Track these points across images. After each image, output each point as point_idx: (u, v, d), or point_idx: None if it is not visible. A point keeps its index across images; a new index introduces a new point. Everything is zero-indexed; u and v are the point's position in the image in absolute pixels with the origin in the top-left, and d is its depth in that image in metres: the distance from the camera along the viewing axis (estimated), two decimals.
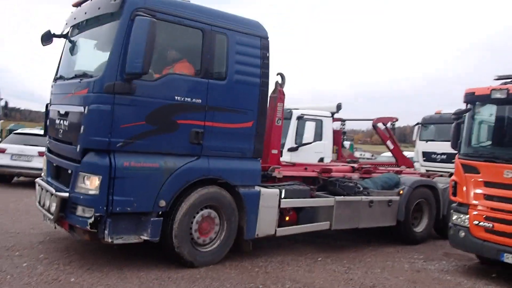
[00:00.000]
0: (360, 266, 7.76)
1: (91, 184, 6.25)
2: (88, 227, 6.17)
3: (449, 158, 16.01)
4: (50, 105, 7.77)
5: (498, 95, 7.49)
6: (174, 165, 6.63)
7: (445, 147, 16.14)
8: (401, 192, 9.51)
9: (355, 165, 10.34)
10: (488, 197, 7.53)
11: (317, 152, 14.13)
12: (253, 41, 7.30)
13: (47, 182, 7.34)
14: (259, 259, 7.52)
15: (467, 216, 7.72)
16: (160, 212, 6.56)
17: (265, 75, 7.40)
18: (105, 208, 6.15)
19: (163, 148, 6.61)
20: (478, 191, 7.63)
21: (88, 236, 6.44)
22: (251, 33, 7.30)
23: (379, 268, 7.71)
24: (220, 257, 7.16)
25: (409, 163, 13.34)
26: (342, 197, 8.51)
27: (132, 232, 6.44)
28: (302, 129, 14.10)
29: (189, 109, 6.71)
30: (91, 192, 6.24)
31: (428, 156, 17.38)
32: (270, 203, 7.54)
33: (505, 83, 7.84)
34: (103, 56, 6.77)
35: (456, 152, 15.70)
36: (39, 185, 7.47)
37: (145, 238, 6.46)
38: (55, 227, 7.03)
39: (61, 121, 7.03)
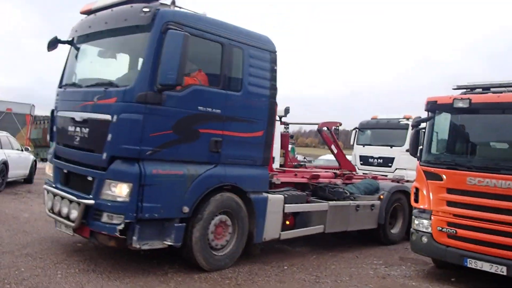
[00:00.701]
0: (328, 274, 7.73)
1: (120, 191, 6.38)
2: (118, 234, 6.32)
3: (385, 162, 16.93)
4: (57, 111, 7.73)
5: (460, 104, 7.65)
6: (196, 172, 6.90)
7: (381, 151, 17.08)
8: (381, 197, 10.27)
9: (337, 171, 10.98)
10: (451, 204, 7.66)
11: None
12: (264, 55, 7.73)
13: (59, 189, 7.33)
14: (226, 269, 7.33)
15: (430, 222, 7.84)
16: (181, 218, 6.79)
17: (273, 87, 7.84)
18: (135, 214, 6.32)
19: (186, 156, 6.87)
20: (441, 197, 7.73)
21: (114, 243, 6.59)
22: (262, 48, 7.72)
23: (347, 276, 7.72)
24: (232, 261, 7.49)
25: (352, 167, 13.78)
26: (334, 202, 9.11)
27: (156, 237, 6.62)
28: None
29: (210, 119, 7.03)
30: (119, 199, 6.38)
31: (365, 160, 17.79)
32: (276, 208, 7.98)
33: (465, 93, 8.17)
34: (128, 66, 6.96)
35: (393, 156, 16.54)
36: (49, 191, 7.43)
37: (169, 243, 6.67)
38: (73, 234, 7.06)
39: (77, 128, 7.04)
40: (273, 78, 7.83)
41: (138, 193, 6.33)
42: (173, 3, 6.78)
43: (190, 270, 7.03)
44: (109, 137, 6.46)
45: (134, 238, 6.37)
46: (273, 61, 7.85)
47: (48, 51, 7.93)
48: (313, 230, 8.83)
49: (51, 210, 7.28)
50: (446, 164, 7.84)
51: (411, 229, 8.30)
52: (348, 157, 17.63)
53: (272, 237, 8.00)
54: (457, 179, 7.55)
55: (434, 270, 8.64)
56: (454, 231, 7.55)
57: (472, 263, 7.35)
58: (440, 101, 8.01)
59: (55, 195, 7.25)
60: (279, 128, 14.97)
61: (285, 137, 15.26)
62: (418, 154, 8.31)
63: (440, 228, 7.70)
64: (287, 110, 15.11)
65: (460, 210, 7.54)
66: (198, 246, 6.94)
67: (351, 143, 18.81)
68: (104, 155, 6.53)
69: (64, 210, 6.92)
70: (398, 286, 7.50)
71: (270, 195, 7.92)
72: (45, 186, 7.66)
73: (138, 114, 6.33)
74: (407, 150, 15.61)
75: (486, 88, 8.16)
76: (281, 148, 14.87)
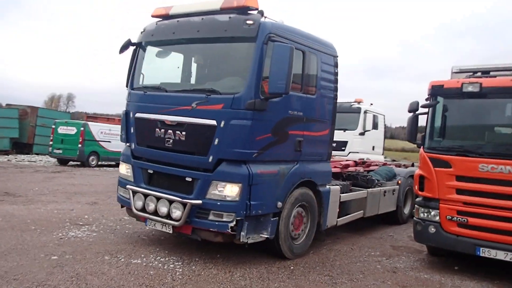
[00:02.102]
0: (339, 272, 7.50)
1: (229, 191, 6.92)
2: (229, 230, 6.88)
3: (338, 146, 16.28)
4: (135, 113, 7.95)
5: (470, 89, 7.36)
6: (285, 170, 7.58)
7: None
8: (399, 182, 11.45)
9: (357, 160, 11.99)
10: (461, 191, 7.47)
11: None
12: (330, 60, 8.47)
13: (146, 189, 7.68)
14: (237, 276, 6.95)
15: (438, 211, 7.68)
16: (274, 212, 7.44)
17: (336, 89, 8.62)
18: (244, 212, 6.91)
19: (279, 156, 7.51)
20: (450, 185, 7.56)
21: (221, 238, 7.12)
22: (329, 53, 8.44)
23: (359, 273, 7.53)
24: (306, 249, 8.29)
25: None
26: (371, 189, 10.11)
27: (253, 232, 7.22)
28: None
29: (296, 121, 7.71)
30: (229, 199, 6.93)
31: None
32: (335, 198, 8.86)
33: (469, 76, 8.07)
34: (223, 73, 7.40)
35: (346, 140, 16.82)
36: (136, 192, 7.73)
37: (265, 236, 7.30)
38: (172, 232, 7.47)
39: (169, 131, 7.41)
40: (336, 81, 8.62)
41: (246, 192, 6.91)
42: (262, 13, 7.25)
43: (189, 278, 6.68)
44: (216, 141, 6.94)
45: (243, 233, 6.97)
46: (336, 65, 8.62)
47: (120, 53, 8.16)
48: (357, 215, 9.82)
49: (143, 209, 7.60)
50: (455, 150, 7.60)
51: (415, 219, 8.13)
52: None
53: (332, 224, 8.87)
54: (468, 166, 7.36)
55: (433, 259, 8.69)
56: (465, 220, 7.41)
57: (485, 252, 7.21)
58: (447, 85, 7.76)
59: (146, 195, 7.58)
60: None
61: None
62: (420, 141, 8.16)
63: (450, 217, 7.56)
64: None
65: (472, 198, 7.39)
66: (283, 237, 7.66)
67: None
68: (211, 158, 7.01)
69: (163, 210, 7.32)
70: (413, 280, 7.41)
71: (331, 187, 8.77)
72: (129, 186, 7.91)
73: (247, 120, 6.85)
74: (360, 134, 16.91)
75: (485, 72, 8.18)
76: None
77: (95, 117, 35.24)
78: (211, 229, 7.05)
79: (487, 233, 7.21)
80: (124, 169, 8.26)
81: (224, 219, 6.93)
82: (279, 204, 7.42)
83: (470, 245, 7.36)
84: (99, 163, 25.99)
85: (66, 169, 22.83)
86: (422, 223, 7.88)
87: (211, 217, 7.01)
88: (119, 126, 8.73)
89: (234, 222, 6.87)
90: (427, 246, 8.71)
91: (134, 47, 8.29)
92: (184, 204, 7.09)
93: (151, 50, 8.22)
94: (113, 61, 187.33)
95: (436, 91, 7.86)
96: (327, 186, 8.65)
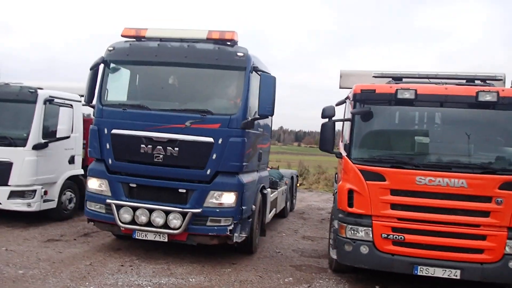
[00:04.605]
0: None
1: (226, 199, 8.03)
2: (228, 233, 8.01)
3: None
4: (111, 130, 8.23)
5: (406, 95, 6.88)
6: (255, 178, 8.98)
7: None
8: (286, 182, 13.44)
9: None
10: (397, 207, 6.91)
11: (67, 149, 11.30)
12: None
13: (130, 202, 8.18)
14: None
15: (371, 229, 6.96)
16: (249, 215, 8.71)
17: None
18: (240, 216, 8.13)
19: (252, 167, 8.86)
20: (384, 200, 6.93)
21: (216, 241, 8.18)
22: (271, 76, 9.87)
23: None
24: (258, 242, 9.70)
25: None
26: (279, 189, 11.95)
27: (236, 232, 8.36)
28: (54, 118, 10.51)
29: (259, 136, 9.17)
30: (226, 205, 8.04)
31: None
32: (269, 198, 10.44)
33: (390, 82, 7.90)
34: (214, 96, 8.43)
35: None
36: (122, 206, 8.13)
37: (245, 235, 8.50)
38: (168, 240, 8.14)
39: (159, 147, 8.02)
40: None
41: (240, 199, 8.12)
42: (236, 43, 8.43)
43: None
44: (214, 156, 7.94)
45: (236, 234, 8.15)
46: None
47: (91, 70, 8.43)
48: (273, 213, 11.48)
49: (130, 222, 8.10)
50: (389, 162, 7.02)
51: (341, 238, 7.24)
52: None
53: (267, 221, 10.43)
54: (404, 179, 6.84)
55: (350, 279, 7.93)
56: (402, 237, 6.85)
57: (423, 271, 6.78)
58: (380, 90, 7.18)
59: (134, 208, 8.09)
60: (81, 112, 11.94)
61: (89, 123, 9.74)
62: (344, 150, 7.60)
63: (385, 235, 6.92)
64: None
65: (409, 213, 6.88)
66: (254, 234, 8.99)
67: None
68: (208, 171, 7.99)
69: (158, 220, 7.98)
70: None
71: (268, 189, 10.32)
72: (110, 201, 8.21)
73: (241, 137, 8.05)
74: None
75: (397, 78, 7.98)
76: (84, 137, 11.74)
77: None
78: (209, 234, 8.04)
79: (425, 250, 6.80)
80: (96, 184, 8.49)
81: (222, 224, 8.00)
82: (253, 207, 8.77)
83: (407, 264, 6.85)
84: None
85: None
86: (353, 243, 7.08)
87: (209, 223, 8.00)
88: None
89: (232, 226, 7.99)
90: (333, 263, 8.04)
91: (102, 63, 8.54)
92: (183, 214, 7.91)
93: (121, 68, 8.67)
94: None
95: (366, 96, 7.25)
96: (266, 189, 10.19)
